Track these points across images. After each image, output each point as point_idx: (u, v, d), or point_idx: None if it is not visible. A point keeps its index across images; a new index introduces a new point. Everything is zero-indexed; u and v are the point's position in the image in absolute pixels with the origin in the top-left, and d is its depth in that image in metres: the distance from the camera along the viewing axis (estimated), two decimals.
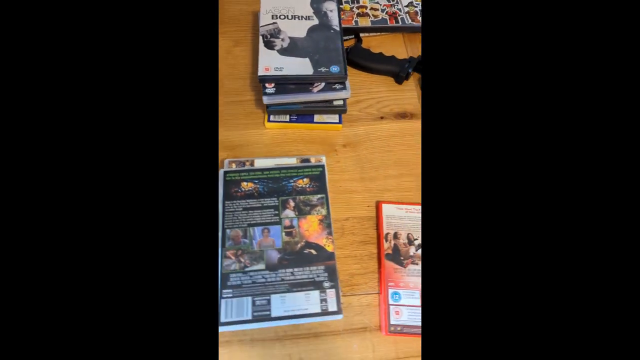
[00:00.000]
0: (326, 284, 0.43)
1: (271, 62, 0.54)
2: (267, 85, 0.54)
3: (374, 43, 0.68)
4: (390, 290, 0.48)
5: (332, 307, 0.43)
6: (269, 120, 0.58)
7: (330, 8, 0.60)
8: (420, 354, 0.45)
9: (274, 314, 0.41)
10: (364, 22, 0.67)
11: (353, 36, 0.67)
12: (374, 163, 0.57)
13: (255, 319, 0.41)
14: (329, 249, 0.45)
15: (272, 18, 0.58)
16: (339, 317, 0.43)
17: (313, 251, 0.45)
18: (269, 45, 0.56)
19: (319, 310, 0.42)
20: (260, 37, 0.57)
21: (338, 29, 0.58)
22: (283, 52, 0.55)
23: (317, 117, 0.58)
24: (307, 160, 0.52)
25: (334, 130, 0.59)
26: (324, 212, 0.47)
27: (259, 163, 0.50)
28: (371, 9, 0.69)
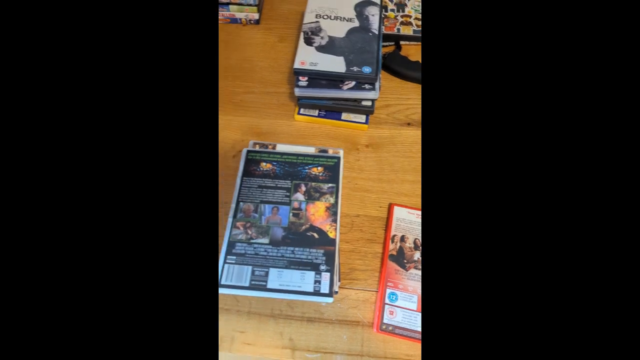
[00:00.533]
0: (322, 267, 0.46)
1: (307, 57, 0.59)
2: (300, 78, 0.59)
3: (413, 51, 0.70)
4: (388, 290, 0.50)
5: (325, 289, 0.45)
6: (298, 113, 0.62)
7: (373, 12, 0.64)
8: (407, 357, 0.46)
9: (269, 286, 0.45)
10: (406, 31, 0.70)
11: (393, 43, 0.71)
12: (393, 166, 0.60)
13: (251, 287, 0.45)
14: (331, 235, 0.48)
15: (316, 17, 0.64)
16: (329, 300, 0.46)
17: (315, 235, 0.48)
18: (309, 41, 0.61)
19: (311, 290, 0.45)
20: (302, 34, 0.62)
21: (377, 32, 0.62)
22: (320, 49, 0.60)
23: (344, 115, 0.62)
24: (325, 151, 0.56)
25: (359, 130, 0.62)
26: (332, 200, 0.51)
27: (280, 148, 0.55)
28: (415, 18, 0.72)
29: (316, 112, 0.62)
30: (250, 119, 0.64)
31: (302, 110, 0.62)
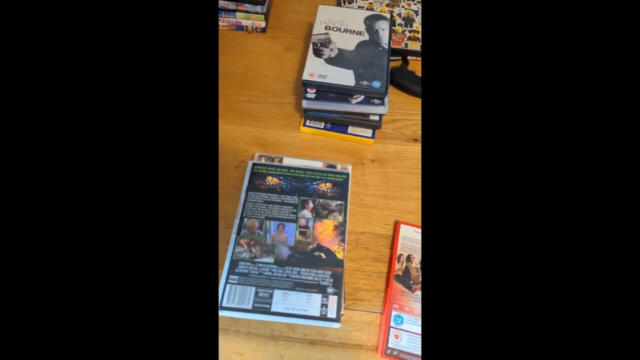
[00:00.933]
0: (330, 290, 0.43)
1: (316, 69, 0.56)
2: (308, 90, 0.56)
3: (420, 67, 0.68)
4: (394, 313, 0.47)
5: (332, 314, 0.42)
6: (304, 125, 0.59)
7: (383, 27, 0.61)
8: None
9: (273, 309, 0.41)
10: (414, 46, 0.68)
11: (400, 58, 0.68)
12: (399, 183, 0.57)
13: (254, 310, 0.42)
14: (339, 255, 0.45)
15: (325, 29, 0.61)
16: (336, 325, 0.42)
17: (323, 255, 0.45)
18: (318, 53, 0.58)
19: (317, 315, 0.42)
20: (311, 45, 0.59)
21: (386, 47, 0.59)
22: (330, 61, 0.57)
23: (350, 129, 0.59)
24: (333, 167, 0.52)
25: (365, 144, 0.60)
26: (340, 218, 0.47)
27: (287, 161, 0.52)
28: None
29: (322, 125, 0.60)
30: (254, 129, 0.61)
31: (307, 122, 0.59)
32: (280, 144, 0.60)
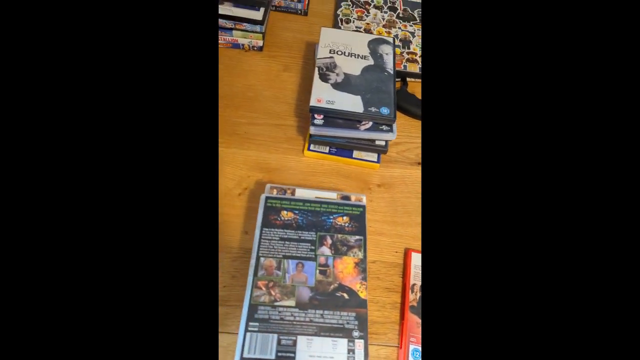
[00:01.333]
0: (355, 334, 0.40)
1: (324, 95, 0.53)
2: (316, 116, 0.53)
3: (419, 89, 0.67)
4: (412, 347, 0.45)
5: None
6: (308, 149, 0.56)
7: (387, 51, 0.59)
8: None
9: (298, 357, 0.38)
10: (413, 68, 0.67)
11: (400, 80, 0.67)
12: (407, 208, 0.55)
13: None
14: (362, 295, 0.42)
15: (330, 52, 0.58)
16: None
17: (345, 295, 0.42)
18: (324, 77, 0.55)
19: None
20: (316, 69, 0.56)
21: (392, 72, 0.57)
22: (336, 86, 0.54)
23: (355, 153, 0.57)
24: (347, 198, 0.49)
25: (371, 169, 0.57)
26: (360, 255, 0.44)
27: (300, 193, 0.48)
28: (420, 55, 0.68)
29: (327, 149, 0.56)
30: (256, 153, 0.57)
31: (312, 146, 0.56)
32: (284, 169, 0.56)
